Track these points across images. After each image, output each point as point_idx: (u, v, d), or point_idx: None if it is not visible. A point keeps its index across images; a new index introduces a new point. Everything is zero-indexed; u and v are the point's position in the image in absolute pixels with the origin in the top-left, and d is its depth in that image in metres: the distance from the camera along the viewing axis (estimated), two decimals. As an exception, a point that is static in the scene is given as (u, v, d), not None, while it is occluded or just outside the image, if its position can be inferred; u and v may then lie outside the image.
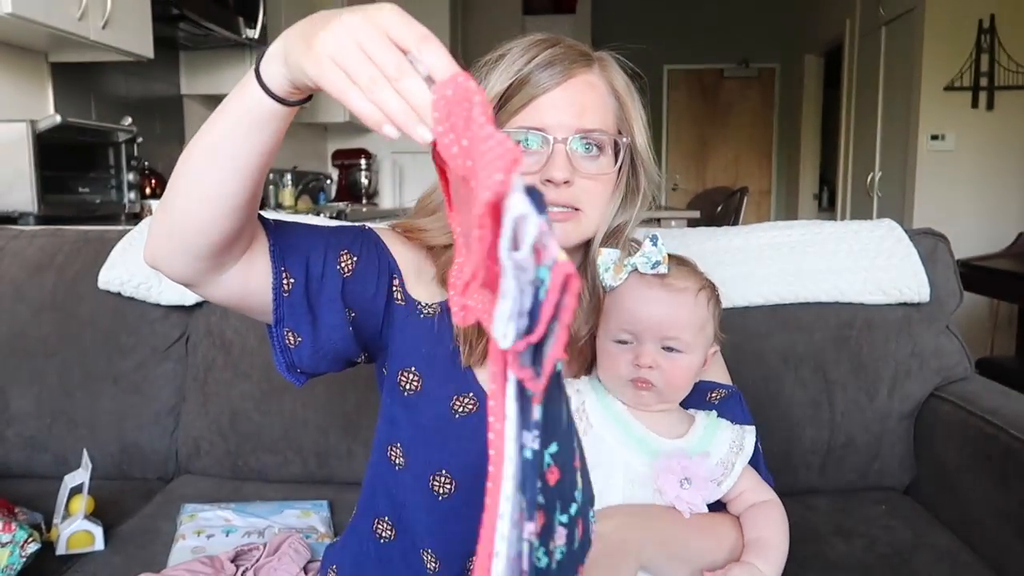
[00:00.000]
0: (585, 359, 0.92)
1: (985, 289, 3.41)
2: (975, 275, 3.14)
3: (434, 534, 0.88)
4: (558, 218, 0.83)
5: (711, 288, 0.87)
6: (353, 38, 0.53)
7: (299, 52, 0.58)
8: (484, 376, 0.86)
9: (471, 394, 0.86)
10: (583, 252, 0.90)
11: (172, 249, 0.74)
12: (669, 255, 0.85)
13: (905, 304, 1.42)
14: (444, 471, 0.86)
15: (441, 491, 0.86)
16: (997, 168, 4.47)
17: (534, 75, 0.82)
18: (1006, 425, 1.21)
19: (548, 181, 0.82)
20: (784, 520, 0.82)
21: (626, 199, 0.91)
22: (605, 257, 0.85)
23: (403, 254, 0.88)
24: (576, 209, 0.84)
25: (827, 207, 6.62)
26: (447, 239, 0.87)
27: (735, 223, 3.58)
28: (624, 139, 0.86)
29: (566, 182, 0.82)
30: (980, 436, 1.25)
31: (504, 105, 0.83)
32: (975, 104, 4.42)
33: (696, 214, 4.27)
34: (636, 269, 0.84)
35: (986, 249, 3.84)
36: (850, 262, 1.42)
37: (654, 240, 0.83)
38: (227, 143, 0.68)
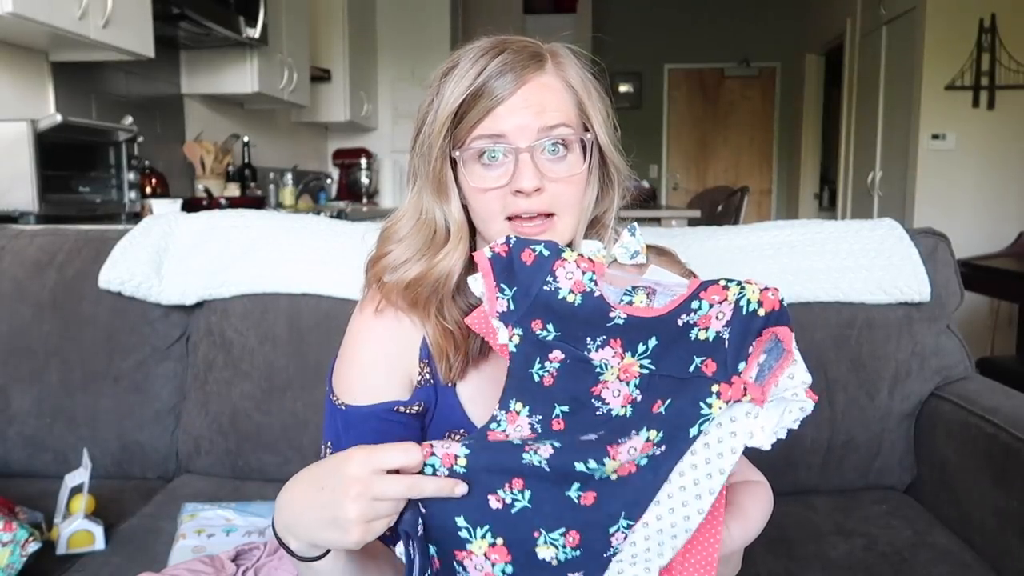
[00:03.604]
0: None
1: (986, 289, 3.40)
2: (976, 274, 3.14)
3: None
4: (534, 231, 0.82)
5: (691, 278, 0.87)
6: (370, 494, 0.64)
7: (327, 536, 0.67)
8: (465, 392, 0.87)
9: (461, 430, 0.86)
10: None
11: None
12: (650, 246, 0.85)
13: (906, 304, 1.42)
14: None
15: None
16: (998, 167, 4.46)
17: (487, 86, 0.80)
18: (1006, 425, 1.21)
19: (519, 192, 0.81)
20: (768, 500, 0.82)
21: (602, 191, 0.90)
22: (585, 249, 0.85)
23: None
24: (551, 215, 0.83)
25: (828, 206, 6.61)
26: (420, 267, 0.86)
27: (736, 222, 3.58)
28: (588, 135, 0.85)
29: (537, 190, 0.81)
30: (980, 436, 1.25)
31: (461, 120, 0.82)
32: (976, 103, 4.42)
33: (696, 213, 4.27)
34: (615, 260, 0.84)
35: (987, 248, 3.84)
36: (851, 261, 1.42)
37: (632, 230, 0.83)
38: None
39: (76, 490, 1.26)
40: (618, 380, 0.69)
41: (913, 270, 1.40)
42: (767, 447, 0.67)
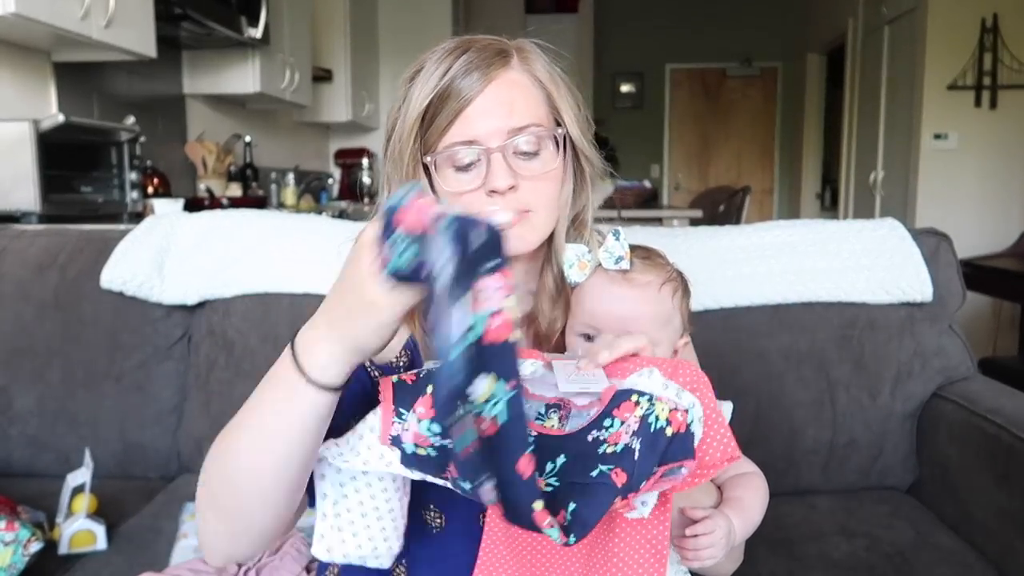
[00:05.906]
0: (560, 351, 0.92)
1: (988, 289, 3.40)
2: (978, 275, 3.13)
3: (430, 562, 0.86)
4: (510, 225, 0.82)
5: (677, 280, 0.86)
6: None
7: (362, 322, 0.66)
8: None
9: None
10: (546, 246, 0.88)
11: (244, 546, 0.76)
12: (637, 246, 0.85)
13: (908, 304, 1.42)
14: (432, 505, 0.84)
15: (433, 523, 0.84)
16: (1000, 167, 4.46)
17: (454, 87, 0.79)
18: (1008, 425, 1.20)
19: (493, 192, 0.80)
20: (764, 491, 0.82)
21: (578, 186, 0.89)
22: (570, 254, 0.85)
23: None
24: (527, 211, 0.82)
25: (830, 206, 6.61)
26: None
27: (737, 222, 3.57)
28: (560, 130, 0.84)
29: (511, 188, 0.80)
30: (982, 436, 1.25)
31: (431, 124, 0.81)
32: (978, 103, 4.41)
33: (698, 213, 4.26)
34: (600, 265, 0.83)
35: (989, 248, 3.83)
36: (852, 261, 1.42)
37: (616, 235, 0.82)
38: (284, 453, 0.71)
39: (78, 490, 1.26)
40: None
41: (915, 270, 1.40)
42: None
